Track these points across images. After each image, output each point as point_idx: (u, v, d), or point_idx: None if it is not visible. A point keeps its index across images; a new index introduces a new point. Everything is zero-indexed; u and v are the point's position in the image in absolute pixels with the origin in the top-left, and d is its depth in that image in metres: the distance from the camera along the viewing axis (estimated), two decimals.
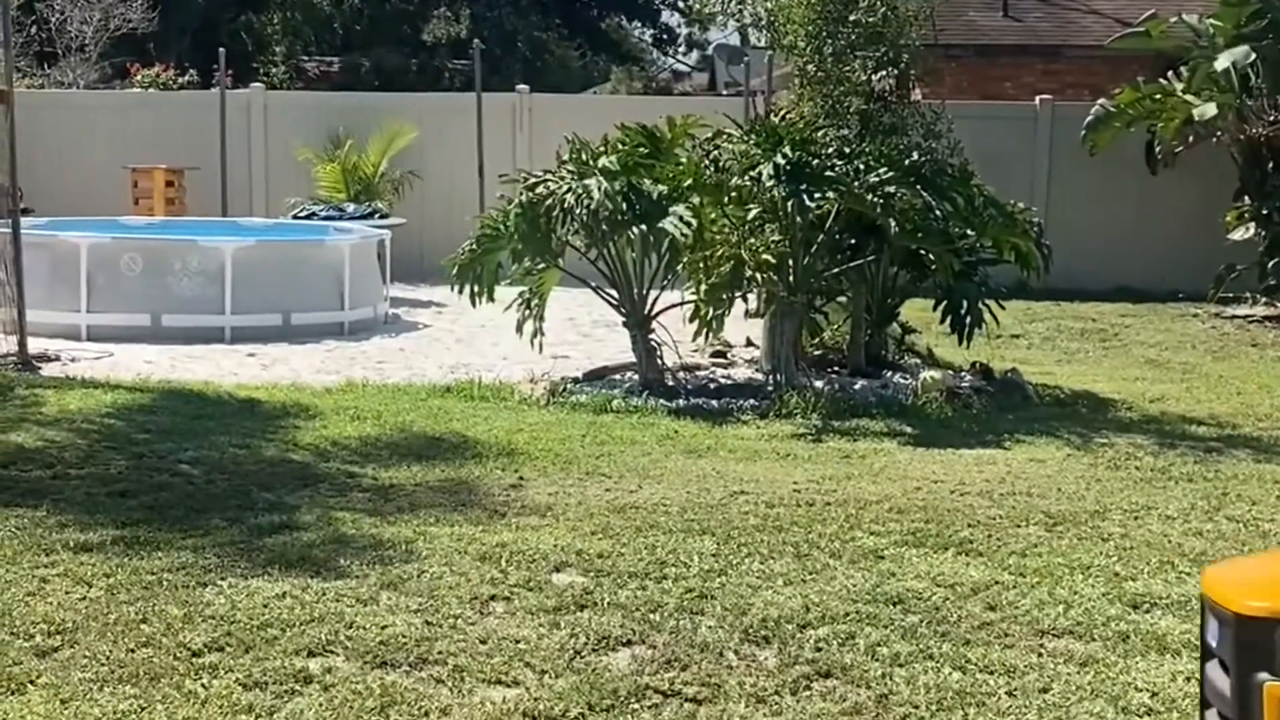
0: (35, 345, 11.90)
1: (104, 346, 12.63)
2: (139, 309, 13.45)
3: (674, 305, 11.21)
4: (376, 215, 17.98)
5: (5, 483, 7.56)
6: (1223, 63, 16.26)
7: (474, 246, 11.28)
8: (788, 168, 10.54)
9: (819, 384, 10.86)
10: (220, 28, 32.75)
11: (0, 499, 7.19)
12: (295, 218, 18.07)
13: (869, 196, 10.65)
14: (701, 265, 10.78)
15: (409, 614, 5.63)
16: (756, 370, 11.70)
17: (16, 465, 7.94)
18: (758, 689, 5.03)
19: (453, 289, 11.46)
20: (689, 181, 10.83)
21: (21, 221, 12.17)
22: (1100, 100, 17.70)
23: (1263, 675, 3.14)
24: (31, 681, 4.88)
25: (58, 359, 11.93)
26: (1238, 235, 16.73)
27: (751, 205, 10.84)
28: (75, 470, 7.86)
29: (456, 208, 17.77)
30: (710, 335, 11.34)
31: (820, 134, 11.38)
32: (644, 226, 10.60)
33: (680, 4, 42.48)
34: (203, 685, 4.88)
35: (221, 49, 20.23)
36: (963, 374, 11.67)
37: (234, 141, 19.59)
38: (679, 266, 11.08)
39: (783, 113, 12.29)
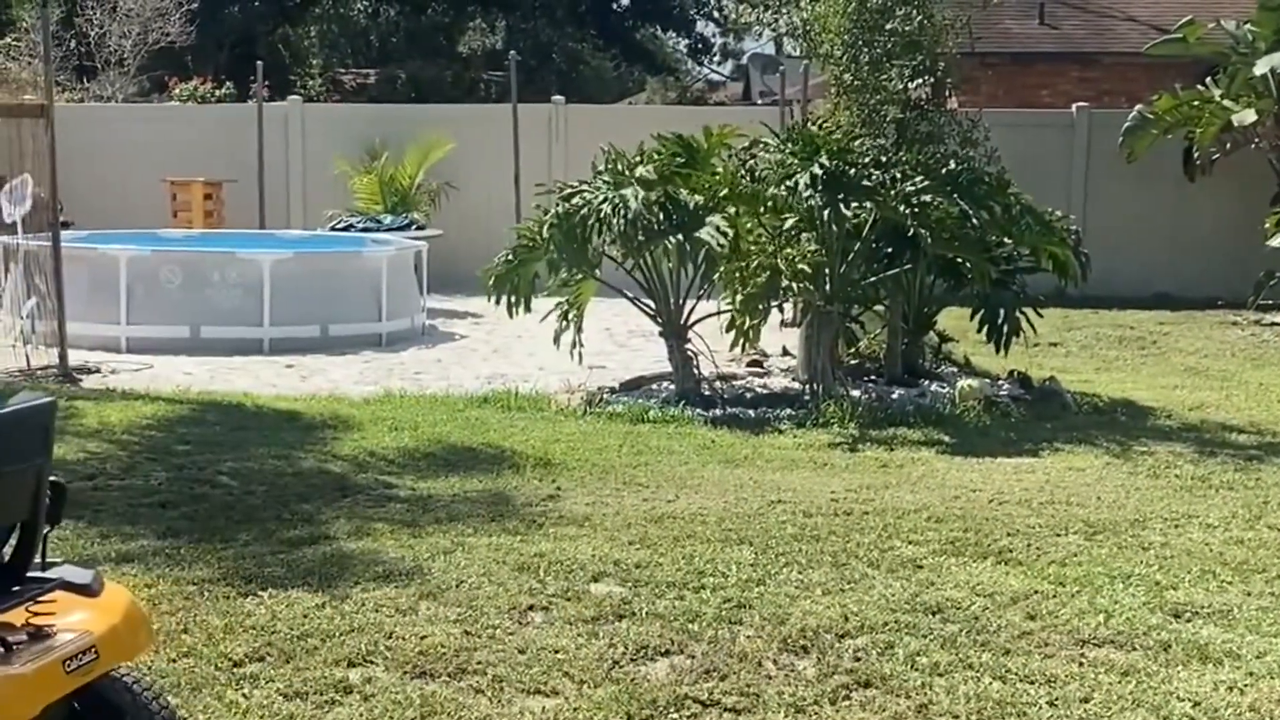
0: (75, 357, 11.98)
1: (143, 358, 12.71)
2: (178, 321, 13.53)
3: (710, 315, 11.20)
4: (413, 227, 18.05)
5: None
6: (1261, 68, 16.18)
7: (510, 257, 11.31)
8: (825, 177, 10.54)
9: (856, 393, 10.84)
10: (257, 41, 32.92)
11: None
12: (333, 229, 18.15)
13: (902, 207, 10.64)
14: (738, 275, 10.78)
15: (448, 624, 5.64)
16: (793, 379, 11.69)
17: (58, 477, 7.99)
18: (796, 699, 5.02)
19: (489, 300, 11.49)
20: (725, 191, 10.84)
21: (61, 234, 12.27)
22: (1137, 107, 17.63)
23: None
24: None
25: (98, 371, 12.00)
26: (1277, 242, 16.60)
27: (788, 215, 10.84)
28: (116, 481, 7.91)
29: (493, 219, 17.80)
30: (747, 345, 11.33)
31: (857, 143, 11.37)
32: (680, 236, 10.61)
33: (716, 14, 42.51)
34: (244, 695, 4.90)
35: (259, 62, 20.34)
36: (1000, 382, 11.63)
37: (271, 154, 19.68)
38: (715, 276, 11.07)
39: (819, 121, 12.29)
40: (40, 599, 3.63)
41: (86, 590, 3.67)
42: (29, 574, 3.69)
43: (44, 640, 3.53)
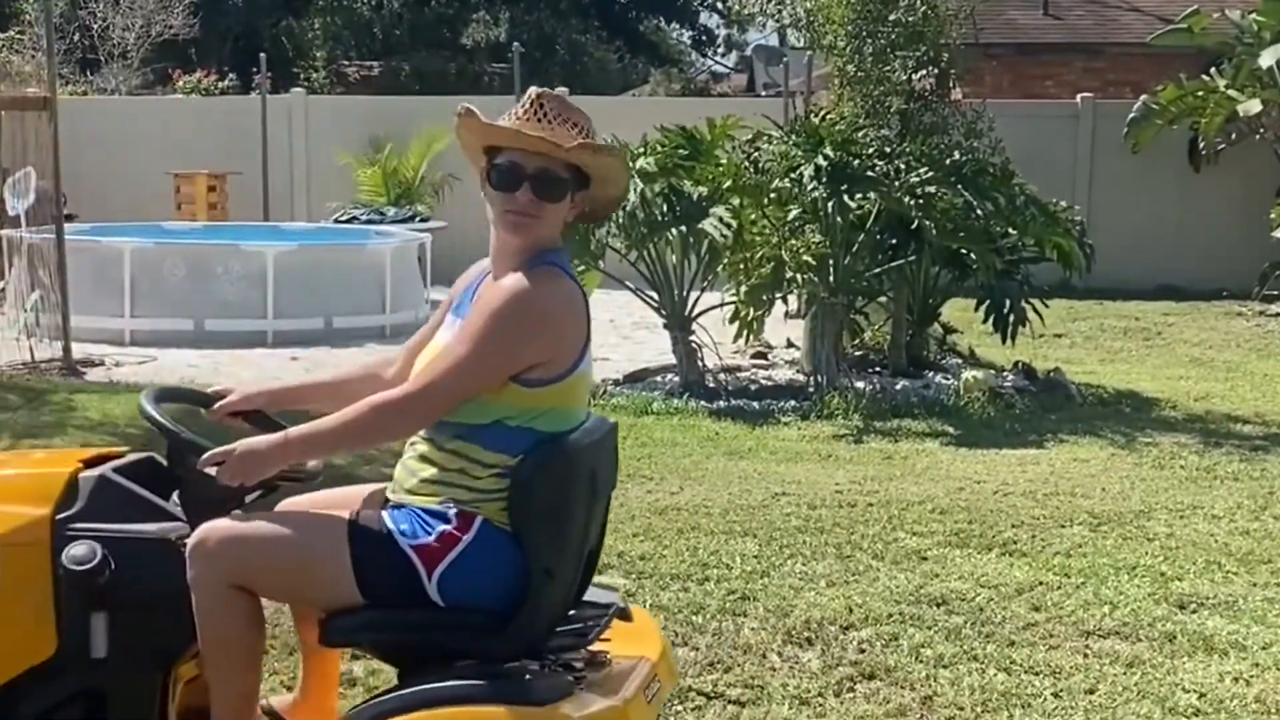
0: (79, 350, 11.98)
1: (147, 351, 12.72)
2: (182, 313, 13.52)
3: (714, 307, 11.19)
4: (417, 219, 18.04)
5: None
6: (1267, 59, 16.15)
7: None
8: (829, 169, 10.52)
9: (860, 385, 10.82)
10: (261, 33, 32.91)
11: None
12: (336, 221, 18.15)
13: (906, 199, 10.62)
14: (742, 266, 10.78)
15: None
16: (797, 371, 11.68)
17: None
18: (801, 691, 5.01)
19: None
20: (729, 183, 10.82)
21: (65, 227, 12.26)
22: (1142, 97, 17.60)
23: None
24: None
25: (101, 364, 12.01)
26: None
27: (792, 206, 10.82)
28: None
29: None
30: (751, 336, 11.33)
31: (861, 134, 11.35)
32: (684, 228, 10.60)
33: (719, 5, 42.44)
34: None
35: (262, 54, 20.34)
36: (1005, 374, 11.62)
37: (275, 146, 19.67)
38: (719, 268, 11.07)
39: (823, 113, 12.27)
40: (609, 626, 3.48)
41: (625, 615, 3.55)
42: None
43: (603, 668, 3.37)
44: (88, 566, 3.25)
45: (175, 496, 3.54)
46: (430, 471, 3.35)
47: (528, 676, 3.23)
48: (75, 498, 3.40)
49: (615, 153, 3.47)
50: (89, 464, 3.54)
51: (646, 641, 3.56)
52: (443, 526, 3.29)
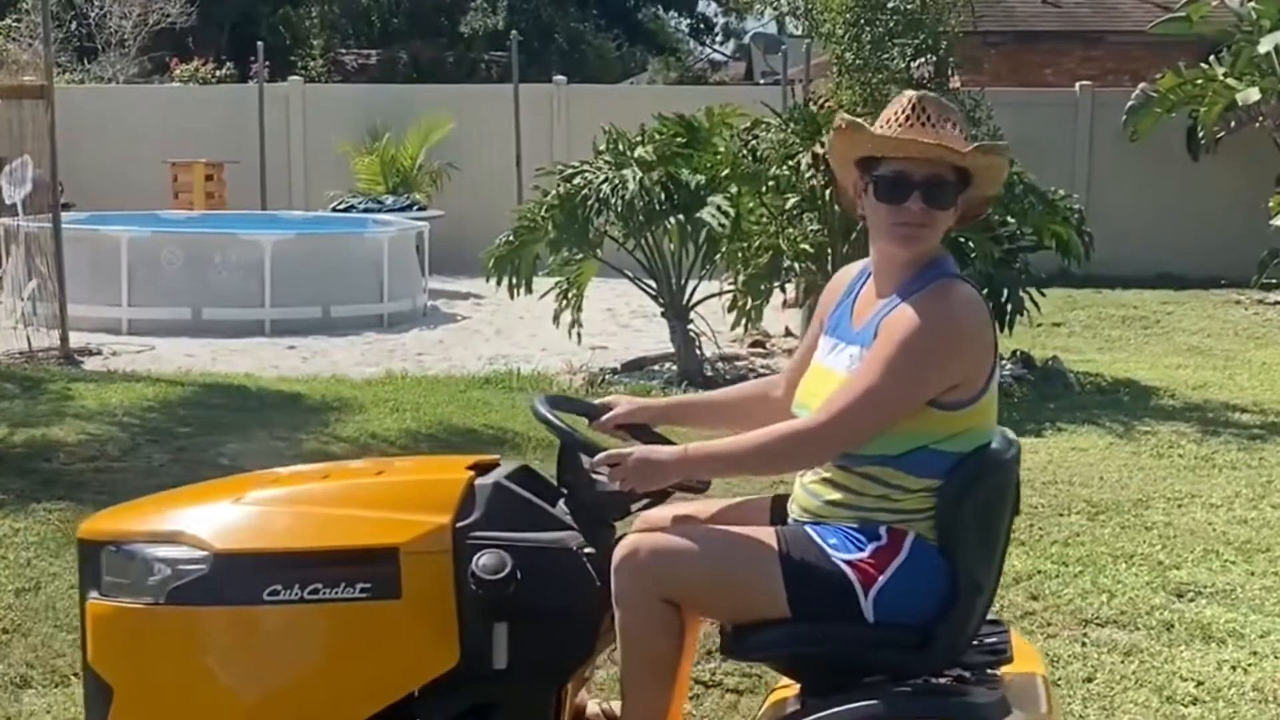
0: (77, 339, 11.97)
1: (145, 340, 12.71)
2: (179, 302, 13.52)
3: (712, 295, 11.18)
4: (414, 207, 18.02)
5: (48, 475, 7.60)
6: (1265, 46, 16.12)
7: (511, 238, 11.28)
8: (827, 156, 10.50)
9: None
10: (258, 22, 32.84)
11: (43, 492, 7.23)
12: (334, 210, 18.13)
13: None
14: (740, 255, 10.76)
15: None
16: None
17: (59, 458, 7.98)
18: None
19: (490, 280, 11.47)
20: (727, 171, 10.81)
21: (62, 216, 12.25)
22: (1141, 86, 17.59)
23: (91, 594, 3.47)
24: (76, 674, 4.90)
25: (99, 353, 12.00)
26: None
27: (790, 195, 10.81)
28: (117, 463, 7.89)
29: (494, 199, 17.78)
30: (749, 325, 11.31)
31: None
32: (681, 217, 10.59)
33: None
34: None
35: (260, 43, 20.30)
36: (1003, 362, 11.60)
37: (272, 135, 19.64)
38: (717, 256, 11.06)
39: (821, 101, 12.25)
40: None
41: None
42: None
43: (1003, 683, 3.30)
44: (499, 576, 3.17)
45: (562, 504, 3.49)
46: (841, 495, 3.29)
47: (970, 694, 3.19)
48: (473, 505, 3.34)
49: (1004, 151, 3.36)
50: (476, 471, 3.49)
51: (1027, 656, 3.51)
52: (875, 543, 3.22)
